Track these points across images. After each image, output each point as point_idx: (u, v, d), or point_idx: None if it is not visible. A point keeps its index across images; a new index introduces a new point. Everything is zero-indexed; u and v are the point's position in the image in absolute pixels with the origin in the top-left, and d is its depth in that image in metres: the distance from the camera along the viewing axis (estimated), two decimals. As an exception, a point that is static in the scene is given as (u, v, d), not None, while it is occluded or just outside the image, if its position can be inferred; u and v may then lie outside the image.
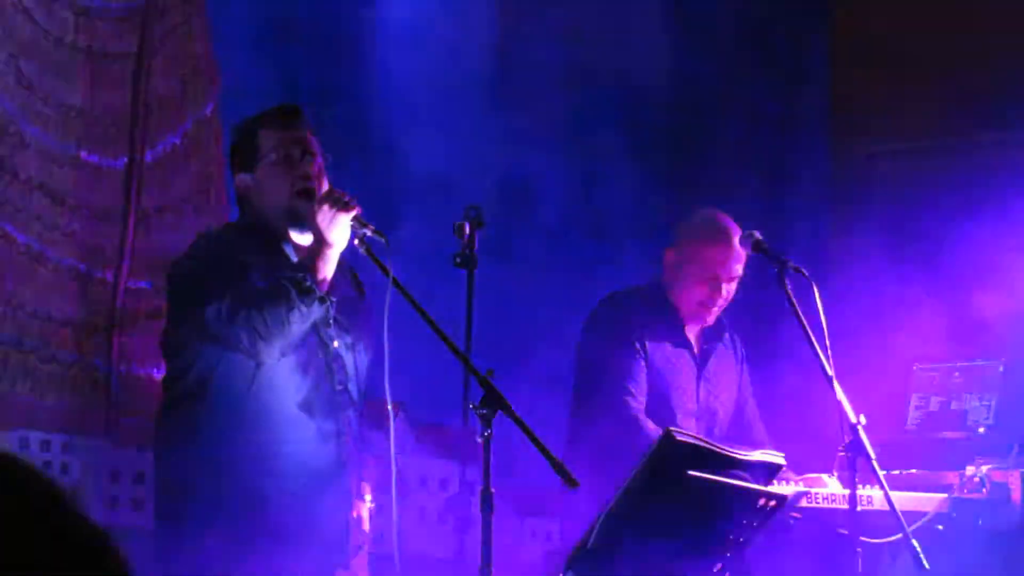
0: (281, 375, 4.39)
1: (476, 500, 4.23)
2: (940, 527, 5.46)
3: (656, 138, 7.68)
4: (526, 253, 7.14)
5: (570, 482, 4.13)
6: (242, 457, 4.35)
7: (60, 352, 5.73)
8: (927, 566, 4.81)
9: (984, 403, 6.02)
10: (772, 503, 4.90)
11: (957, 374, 6.13)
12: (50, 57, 5.74)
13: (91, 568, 1.82)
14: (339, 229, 4.32)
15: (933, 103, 8.01)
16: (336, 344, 4.50)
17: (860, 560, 4.88)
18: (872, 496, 5.19)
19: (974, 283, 7.28)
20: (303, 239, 4.48)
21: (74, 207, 5.78)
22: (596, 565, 4.89)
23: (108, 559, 1.85)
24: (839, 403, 4.88)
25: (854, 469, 4.89)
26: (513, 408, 4.16)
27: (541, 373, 6.69)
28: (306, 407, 4.42)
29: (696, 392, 5.39)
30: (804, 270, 5.16)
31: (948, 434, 5.98)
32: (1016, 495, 5.56)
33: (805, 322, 5.00)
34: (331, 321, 4.45)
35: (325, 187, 4.47)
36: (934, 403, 6.14)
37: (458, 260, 4.63)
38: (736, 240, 5.38)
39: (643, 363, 5.31)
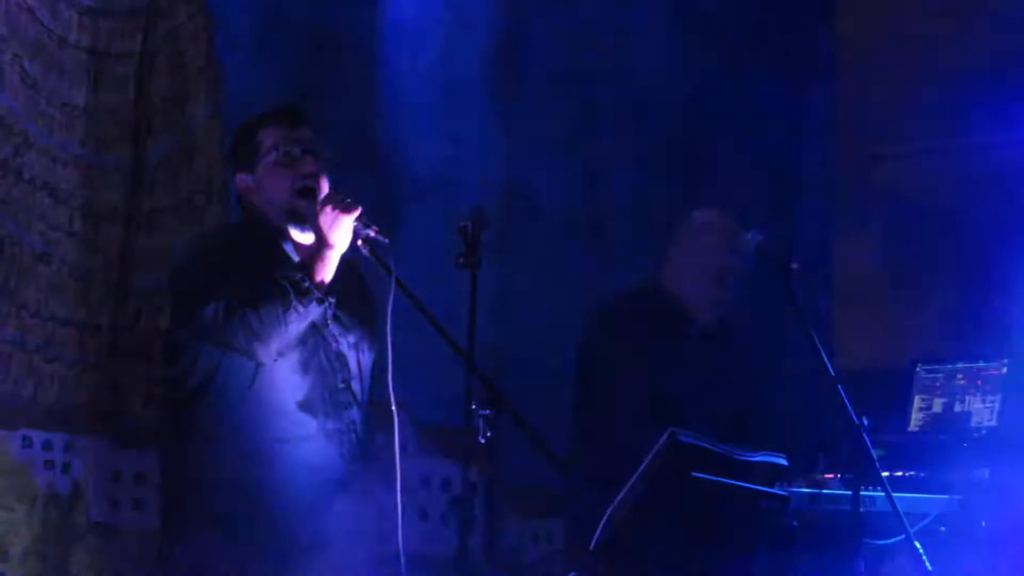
0: (283, 374, 4.39)
1: (479, 501, 4.23)
2: (943, 529, 5.45)
3: (660, 140, 7.68)
4: (530, 254, 7.14)
5: (572, 483, 4.13)
6: (245, 456, 4.34)
7: (63, 352, 5.74)
8: (930, 568, 4.81)
9: (987, 405, 6.02)
10: (775, 504, 4.90)
11: (960, 375, 6.14)
12: (54, 57, 5.75)
13: None
14: (340, 231, 4.31)
15: (938, 105, 8.01)
16: (339, 343, 4.50)
17: (863, 561, 4.88)
18: (875, 498, 5.19)
19: (976, 284, 7.29)
20: (304, 238, 4.47)
21: (77, 207, 5.78)
22: (600, 566, 4.89)
23: None
24: (842, 404, 4.88)
25: (857, 471, 4.88)
26: (516, 409, 4.16)
27: (544, 374, 6.70)
28: (309, 406, 4.42)
29: (701, 389, 5.37)
30: (807, 272, 5.15)
31: (951, 435, 5.98)
32: (1020, 497, 5.56)
33: (808, 323, 5.00)
34: (329, 321, 4.45)
35: (326, 187, 4.47)
36: (937, 404, 6.14)
37: (461, 261, 4.63)
38: (738, 234, 5.37)
39: (644, 362, 5.28)
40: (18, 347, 5.61)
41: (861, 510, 4.88)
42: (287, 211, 4.49)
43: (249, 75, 6.30)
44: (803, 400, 7.49)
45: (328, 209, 4.31)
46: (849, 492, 4.98)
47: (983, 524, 5.53)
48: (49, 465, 5.67)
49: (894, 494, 4.86)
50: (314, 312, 4.31)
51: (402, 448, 4.33)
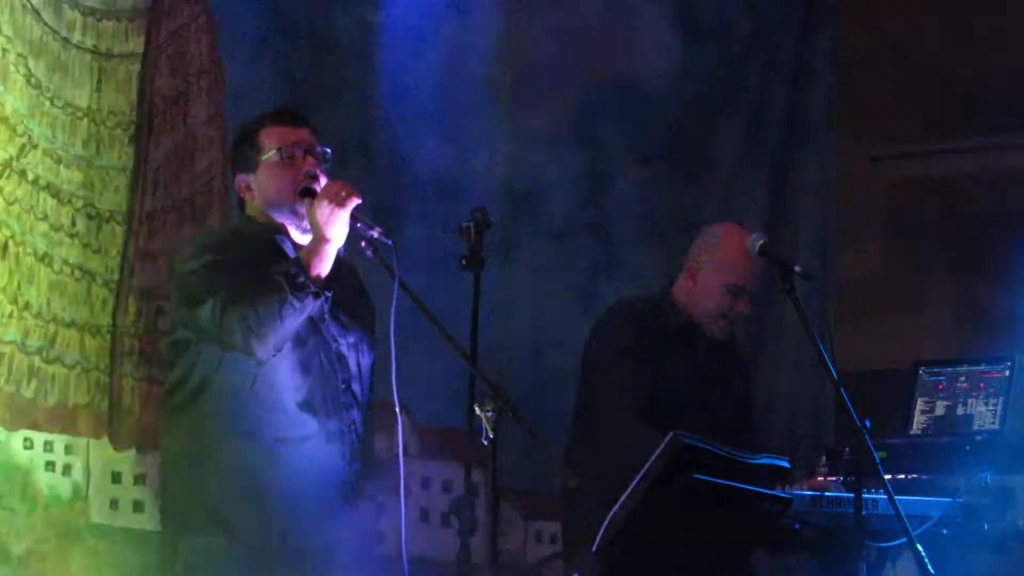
0: (284, 374, 4.39)
1: (481, 502, 4.23)
2: (945, 532, 5.45)
3: (662, 140, 7.68)
4: (532, 255, 7.14)
5: (574, 485, 4.13)
6: (246, 457, 4.34)
7: (64, 353, 5.73)
8: (932, 571, 4.80)
9: (990, 408, 6.01)
10: (777, 507, 4.90)
11: (963, 378, 6.13)
12: (59, 57, 5.75)
13: None
14: (337, 225, 4.30)
15: (938, 106, 8.01)
16: (339, 343, 4.50)
17: (865, 564, 4.88)
18: (877, 500, 5.18)
19: (978, 286, 7.29)
20: (305, 238, 4.47)
21: (80, 208, 5.78)
22: (602, 567, 4.89)
23: None
24: (844, 406, 4.88)
25: (859, 473, 4.88)
26: (518, 411, 4.16)
27: (546, 375, 6.69)
28: (310, 406, 4.41)
29: (700, 405, 5.36)
30: (810, 274, 5.15)
31: (954, 439, 5.98)
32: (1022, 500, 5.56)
33: (811, 326, 4.99)
34: (326, 316, 4.45)
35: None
36: (940, 407, 6.14)
37: (464, 262, 4.63)
38: (755, 252, 5.34)
39: (647, 371, 5.27)
40: (20, 348, 5.61)
41: (863, 513, 4.88)
42: (288, 212, 4.49)
43: (251, 76, 6.30)
44: (805, 402, 7.49)
45: (324, 203, 4.31)
46: (851, 495, 4.97)
47: (985, 527, 5.52)
48: (50, 466, 5.66)
49: (896, 497, 4.85)
50: (311, 307, 4.30)
51: (404, 450, 4.32)
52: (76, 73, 5.80)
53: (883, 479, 4.86)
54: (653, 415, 5.14)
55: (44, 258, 5.67)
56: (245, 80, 6.26)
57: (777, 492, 4.95)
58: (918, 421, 6.16)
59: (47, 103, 5.70)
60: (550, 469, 4.17)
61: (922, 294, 7.88)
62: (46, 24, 5.70)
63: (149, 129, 6.01)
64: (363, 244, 4.36)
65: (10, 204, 5.56)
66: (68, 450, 5.72)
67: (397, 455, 4.30)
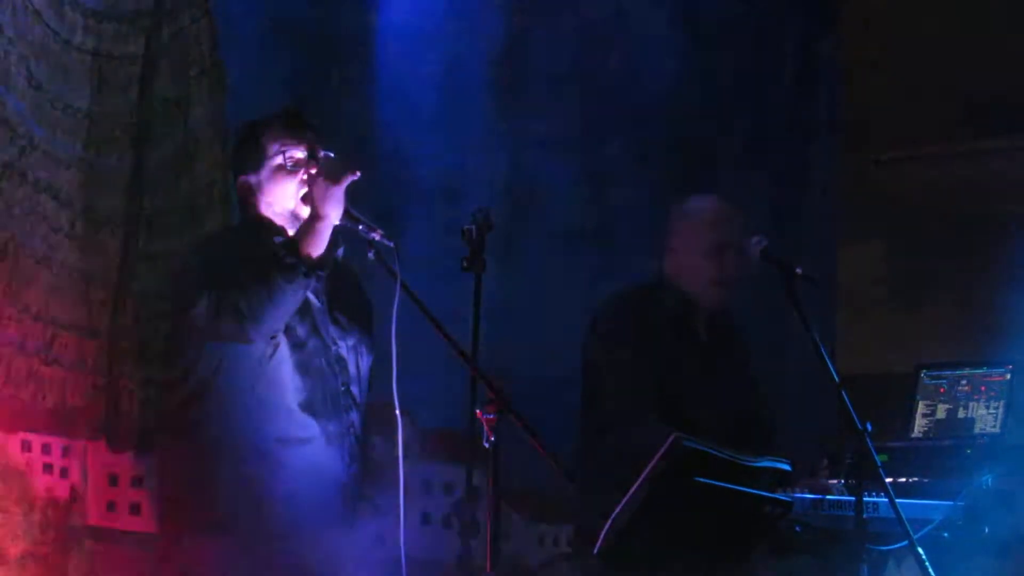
0: (285, 376, 4.39)
1: (482, 505, 4.23)
2: (946, 535, 5.44)
3: (664, 143, 7.68)
4: (534, 257, 7.14)
5: (575, 487, 4.13)
6: (246, 458, 4.34)
7: (63, 355, 5.73)
8: (933, 574, 4.80)
9: (991, 411, 6.01)
10: (778, 509, 4.89)
11: (964, 382, 6.12)
12: (59, 59, 5.74)
13: None
14: (331, 202, 4.29)
15: (941, 110, 8.01)
16: (338, 346, 4.50)
17: (865, 567, 4.88)
18: (878, 503, 5.18)
19: (980, 289, 7.29)
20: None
21: (79, 210, 5.78)
22: (603, 570, 4.89)
23: None
24: (845, 410, 4.87)
25: (860, 476, 4.88)
26: (520, 413, 4.16)
27: (548, 377, 6.69)
28: (311, 408, 4.42)
29: (707, 385, 5.35)
30: (811, 277, 5.14)
31: (955, 442, 5.97)
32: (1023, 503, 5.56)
33: (813, 328, 4.99)
34: (321, 299, 4.45)
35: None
36: (941, 410, 6.13)
37: (465, 264, 4.63)
38: (728, 208, 5.37)
39: (649, 361, 5.25)
40: (19, 350, 5.61)
41: (864, 516, 4.87)
42: (290, 216, 4.50)
43: (252, 78, 6.30)
44: (807, 405, 7.49)
45: (320, 179, 4.31)
46: (852, 498, 4.97)
47: (986, 530, 5.52)
48: (48, 469, 5.66)
49: (897, 500, 4.84)
50: (303, 286, 4.28)
51: (405, 452, 4.32)
52: (77, 75, 5.80)
53: (884, 482, 4.85)
54: (659, 398, 5.14)
55: (43, 260, 5.67)
56: (246, 82, 6.26)
57: (778, 495, 4.94)
58: (919, 424, 6.15)
59: (48, 105, 5.70)
60: (551, 471, 4.16)
61: (924, 297, 7.87)
62: (47, 26, 5.70)
63: (149, 131, 6.01)
64: (367, 246, 4.36)
65: (9, 206, 5.56)
66: (66, 452, 5.72)
67: (398, 457, 4.30)
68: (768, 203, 8.01)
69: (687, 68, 7.75)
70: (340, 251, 4.60)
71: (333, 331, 4.50)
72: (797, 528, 5.20)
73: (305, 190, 4.46)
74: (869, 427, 4.84)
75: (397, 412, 4.28)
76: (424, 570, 4.61)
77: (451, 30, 6.97)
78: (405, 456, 4.33)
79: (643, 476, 4.63)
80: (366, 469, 4.61)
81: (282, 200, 4.50)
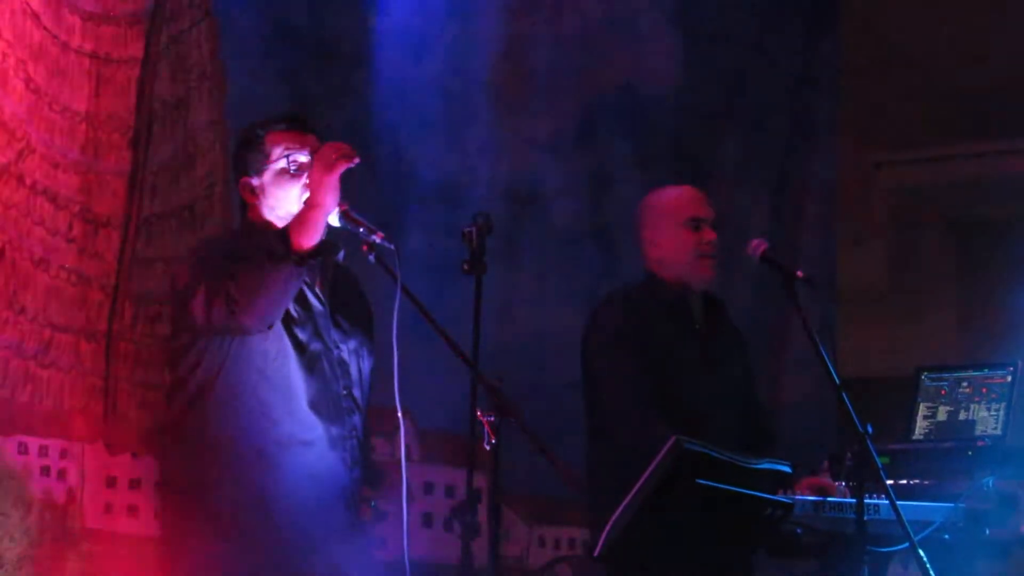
0: (287, 379, 4.38)
1: (483, 507, 4.22)
2: (947, 537, 5.44)
3: (664, 145, 7.68)
4: (534, 260, 7.14)
5: (578, 490, 4.12)
6: (249, 462, 4.34)
7: (59, 357, 5.72)
8: (934, 576, 4.80)
9: (992, 413, 6.01)
10: (779, 511, 4.89)
11: (965, 383, 6.12)
12: (58, 62, 5.74)
13: None
14: (325, 190, 4.26)
15: (941, 112, 8.01)
16: (340, 349, 4.50)
17: (867, 569, 4.87)
18: (879, 505, 5.18)
19: (981, 291, 7.29)
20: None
21: (76, 213, 5.77)
22: (605, 572, 4.88)
23: None
24: (846, 412, 4.87)
25: (861, 478, 4.88)
26: (520, 415, 4.16)
27: (549, 379, 6.68)
28: (313, 411, 4.41)
29: (706, 374, 5.36)
30: (812, 279, 5.14)
31: (956, 444, 5.97)
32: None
33: (813, 331, 4.99)
34: (319, 293, 4.44)
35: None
36: (942, 412, 6.13)
37: (466, 267, 4.62)
38: (694, 188, 5.40)
39: (648, 357, 5.25)
40: (15, 352, 5.60)
41: (865, 518, 4.87)
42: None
43: (253, 81, 6.30)
44: (808, 407, 7.49)
45: (314, 167, 4.30)
46: (853, 500, 4.97)
47: (987, 533, 5.52)
48: (45, 471, 5.65)
49: (898, 502, 4.84)
50: (295, 275, 4.25)
51: (406, 454, 4.32)
52: (75, 78, 5.79)
53: (885, 484, 4.85)
54: (660, 389, 5.14)
55: (41, 263, 5.66)
56: (247, 85, 6.26)
57: (779, 497, 4.94)
58: (920, 426, 6.15)
59: (46, 108, 5.69)
60: (552, 474, 4.16)
61: (924, 299, 7.87)
62: (46, 29, 5.69)
63: (148, 134, 6.01)
64: (364, 248, 4.35)
65: (7, 209, 5.55)
66: (63, 455, 5.71)
67: (400, 459, 4.29)
68: (768, 205, 8.01)
69: (687, 70, 7.76)
70: (341, 255, 4.59)
71: (335, 335, 4.49)
72: (798, 530, 5.19)
73: (308, 194, 4.45)
74: (870, 429, 4.84)
75: (399, 414, 4.27)
76: (426, 572, 4.60)
77: (451, 32, 6.97)
78: (407, 458, 4.32)
79: (644, 478, 4.63)
80: (368, 472, 4.61)
81: (285, 204, 4.49)
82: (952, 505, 5.50)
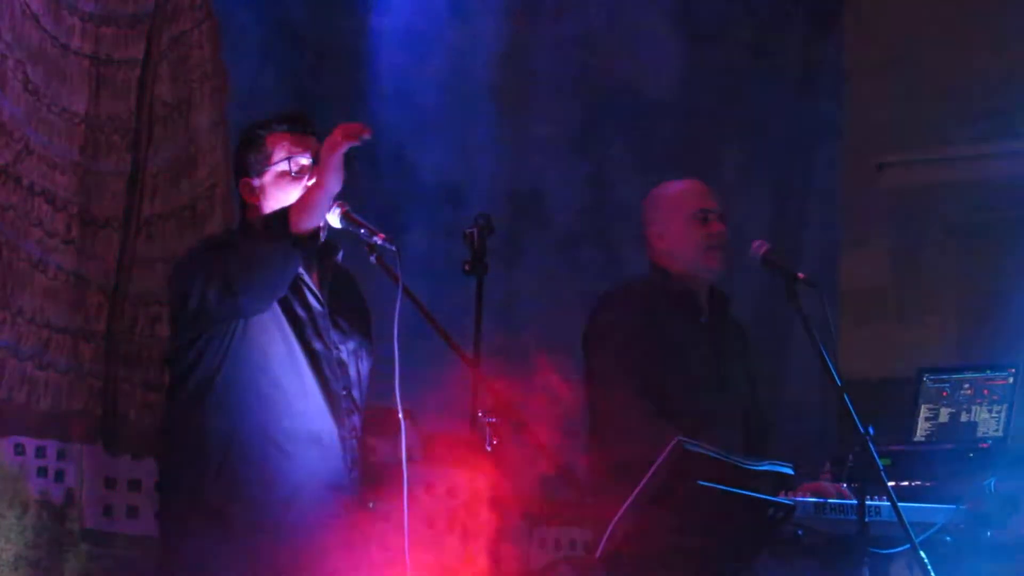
0: (285, 377, 4.39)
1: (484, 508, 4.23)
2: (948, 539, 5.44)
3: (666, 147, 7.68)
4: (536, 261, 7.14)
5: (579, 490, 4.13)
6: (248, 462, 4.34)
7: (57, 359, 5.72)
8: (935, 578, 4.80)
9: (994, 415, 6.01)
10: (780, 513, 4.89)
11: (967, 385, 6.12)
12: (57, 63, 5.74)
13: None
14: (328, 170, 4.23)
15: (944, 114, 8.01)
16: (339, 350, 4.50)
17: (868, 571, 4.87)
18: (880, 507, 5.18)
19: (983, 293, 7.29)
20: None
21: (75, 214, 5.77)
22: (606, 574, 4.88)
23: None
24: (848, 413, 4.87)
25: (863, 480, 4.88)
26: (522, 416, 4.16)
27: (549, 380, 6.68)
28: (312, 411, 4.41)
29: (713, 367, 5.36)
30: (813, 281, 5.14)
31: (957, 445, 5.97)
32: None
33: (814, 333, 4.99)
34: (317, 291, 4.44)
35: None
36: (944, 414, 6.13)
37: (467, 267, 4.62)
38: (700, 182, 5.41)
39: (653, 351, 5.25)
40: (12, 353, 5.60)
41: (866, 520, 4.87)
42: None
43: (254, 81, 6.30)
44: (810, 409, 7.49)
45: (323, 147, 4.27)
46: (854, 502, 4.97)
47: (989, 534, 5.51)
48: (42, 472, 5.65)
49: (900, 504, 4.84)
50: (290, 255, 4.23)
51: (408, 455, 4.32)
52: (74, 79, 5.79)
53: (886, 486, 4.85)
54: (671, 384, 5.14)
55: (38, 264, 5.66)
56: (249, 85, 6.26)
57: (780, 498, 4.94)
58: (922, 428, 6.15)
59: (44, 109, 5.69)
60: (553, 475, 4.16)
61: (926, 301, 7.87)
62: (45, 30, 5.69)
63: (149, 135, 6.00)
64: (366, 249, 4.36)
65: (5, 210, 5.55)
66: (61, 456, 5.71)
67: (401, 460, 4.30)
68: (770, 207, 8.01)
69: (689, 71, 7.76)
70: (339, 255, 4.59)
71: (334, 335, 4.50)
72: (799, 532, 5.19)
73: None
74: (871, 431, 4.84)
75: (400, 415, 4.27)
76: (426, 573, 4.60)
77: (453, 33, 6.97)
78: (408, 459, 4.32)
79: (645, 480, 4.63)
80: (367, 472, 4.61)
81: (286, 203, 4.49)
82: (954, 507, 5.49)
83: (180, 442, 4.42)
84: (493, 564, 4.17)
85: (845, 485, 5.32)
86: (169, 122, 6.08)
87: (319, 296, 4.49)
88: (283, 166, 4.48)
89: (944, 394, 6.15)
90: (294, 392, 4.39)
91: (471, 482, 4.58)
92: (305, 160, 4.48)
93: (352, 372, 4.52)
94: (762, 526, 4.90)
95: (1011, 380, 6.04)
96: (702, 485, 4.65)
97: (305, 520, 4.36)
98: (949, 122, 8.00)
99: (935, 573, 4.80)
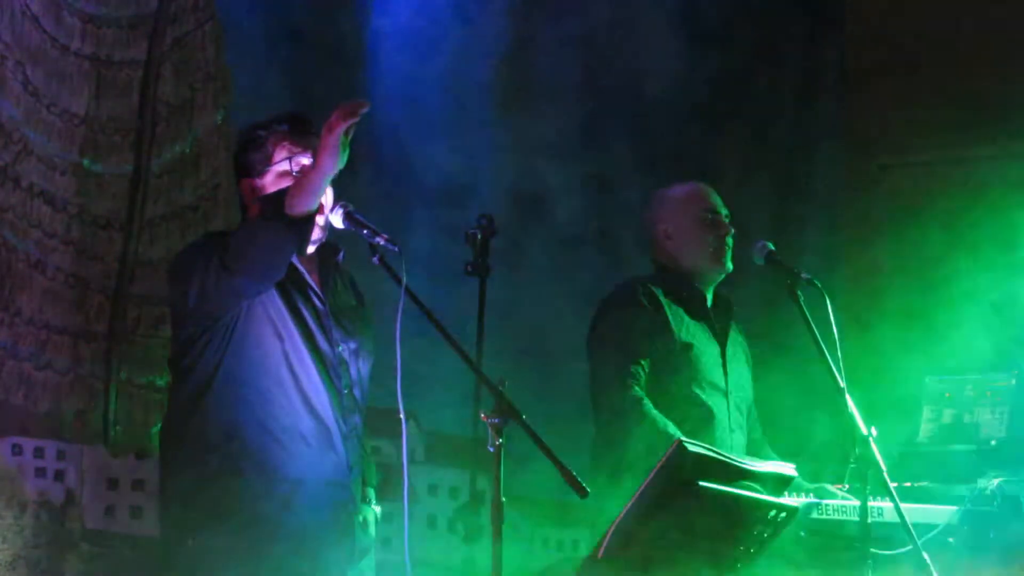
0: (286, 374, 4.39)
1: (486, 509, 4.23)
2: (951, 539, 5.44)
3: (668, 149, 7.69)
4: (538, 261, 7.14)
5: (580, 491, 4.13)
6: (249, 461, 4.34)
7: (56, 359, 5.72)
8: (938, 579, 4.80)
9: (996, 416, 6.01)
10: (783, 514, 4.89)
11: (970, 387, 6.13)
12: (57, 65, 5.74)
13: None
14: (324, 151, 4.21)
15: (945, 115, 8.01)
16: (341, 349, 4.50)
17: (870, 572, 4.87)
18: (883, 508, 5.18)
19: (985, 295, 7.27)
20: (309, 247, 4.48)
21: (75, 215, 5.77)
22: (608, 575, 4.88)
23: None
24: (851, 414, 4.87)
25: (865, 481, 4.88)
26: (524, 417, 4.16)
27: (552, 381, 6.68)
28: (314, 410, 4.42)
29: (721, 366, 5.37)
30: (816, 281, 5.15)
31: (960, 446, 5.97)
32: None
33: (817, 333, 4.99)
34: (324, 301, 4.45)
35: (331, 199, 4.45)
36: (946, 415, 6.13)
37: (470, 268, 4.63)
38: (705, 184, 5.46)
39: (661, 348, 5.25)
40: (9, 354, 5.60)
41: (869, 520, 4.87)
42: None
43: (257, 83, 6.30)
44: (812, 410, 7.49)
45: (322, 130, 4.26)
46: (857, 503, 4.96)
47: (991, 535, 5.51)
48: (40, 473, 5.65)
49: (902, 505, 4.84)
50: (285, 233, 4.22)
51: (410, 456, 4.32)
52: (75, 80, 5.79)
53: (889, 487, 4.85)
54: (680, 383, 5.15)
55: (37, 264, 5.66)
56: (251, 87, 6.26)
57: (783, 499, 4.94)
58: (924, 429, 6.15)
59: (44, 110, 5.69)
60: (555, 476, 4.16)
61: (928, 302, 7.86)
62: (45, 31, 5.69)
63: (152, 136, 6.00)
64: (369, 250, 4.36)
65: (3, 211, 5.55)
66: (60, 456, 5.71)
67: (403, 461, 4.30)
68: (772, 208, 8.01)
69: (690, 73, 7.76)
70: (341, 256, 4.60)
71: (336, 334, 4.50)
72: (802, 533, 5.19)
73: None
74: (874, 432, 4.84)
75: (402, 416, 4.27)
76: (429, 573, 4.61)
77: (456, 35, 6.97)
78: (410, 460, 4.32)
79: (647, 481, 4.63)
80: (369, 472, 4.61)
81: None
82: (956, 508, 5.49)
83: (181, 439, 4.42)
84: (494, 564, 4.17)
85: (848, 486, 5.33)
86: (172, 123, 6.09)
87: (320, 295, 4.50)
88: (284, 166, 4.49)
89: (947, 395, 6.15)
90: (296, 389, 4.39)
91: (472, 483, 4.59)
92: (306, 160, 4.48)
93: (353, 372, 4.53)
94: (765, 527, 4.89)
95: (1014, 381, 6.05)
96: (704, 486, 4.65)
97: (306, 518, 4.36)
98: (950, 124, 8.00)
99: (938, 574, 4.80)
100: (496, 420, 4.20)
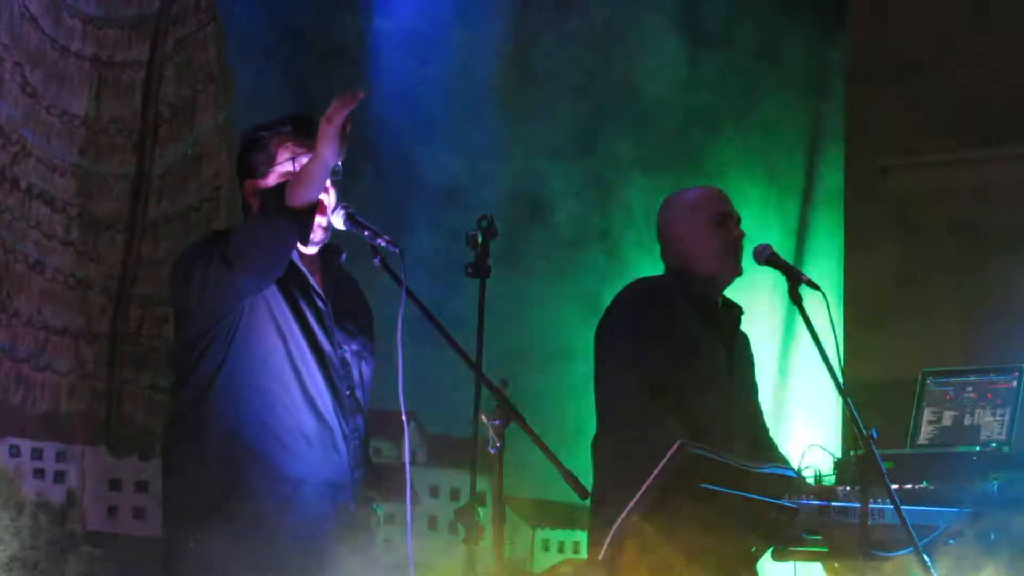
0: (289, 375, 4.39)
1: (487, 510, 4.23)
2: (951, 542, 5.44)
3: (669, 150, 7.69)
4: (539, 263, 7.14)
5: (580, 492, 4.13)
6: (252, 461, 4.34)
7: (56, 360, 5.72)
8: (938, 581, 4.80)
9: (997, 418, 6.01)
10: (784, 516, 4.89)
11: (970, 388, 6.13)
12: (56, 66, 5.74)
13: None
14: (323, 141, 4.19)
15: (947, 117, 8.01)
16: (343, 350, 4.50)
17: (871, 574, 4.87)
18: (884, 510, 5.18)
19: (987, 296, 7.28)
20: (308, 249, 4.48)
21: (75, 216, 5.77)
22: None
23: None
24: (851, 416, 4.87)
25: (866, 483, 4.87)
26: (525, 418, 4.16)
27: (553, 384, 6.69)
28: (316, 411, 4.42)
29: (727, 369, 5.37)
30: (817, 284, 5.15)
31: (961, 448, 5.97)
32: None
33: (818, 335, 4.99)
34: (326, 302, 4.44)
35: (332, 200, 4.45)
36: (947, 417, 6.13)
37: (470, 270, 4.62)
38: (717, 187, 5.48)
39: (671, 351, 5.25)
40: (7, 355, 5.60)
41: (869, 523, 4.87)
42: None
43: (259, 84, 6.31)
44: (813, 411, 7.48)
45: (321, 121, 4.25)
46: (858, 504, 4.96)
47: (992, 537, 5.51)
48: (39, 474, 5.65)
49: (903, 507, 4.84)
50: (286, 226, 4.21)
51: (411, 457, 4.32)
52: (75, 81, 5.79)
53: (889, 489, 4.85)
54: (686, 389, 5.15)
55: (36, 266, 5.66)
56: (254, 88, 6.26)
57: (784, 501, 4.94)
58: (925, 431, 6.15)
59: (43, 111, 5.69)
60: (556, 478, 4.16)
61: (930, 303, 7.87)
62: (44, 32, 5.69)
63: (154, 137, 6.00)
64: (369, 251, 4.36)
65: (1, 212, 5.56)
66: (60, 457, 5.70)
67: (404, 462, 4.30)
68: (774, 209, 8.01)
69: (692, 74, 7.76)
70: (343, 257, 4.60)
71: (338, 336, 4.50)
72: (803, 535, 5.19)
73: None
74: (875, 434, 4.84)
75: (403, 417, 4.27)
76: (429, 574, 4.61)
77: (457, 36, 6.97)
78: (412, 461, 4.32)
79: (649, 482, 4.63)
80: (371, 473, 4.61)
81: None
82: (957, 510, 5.50)
83: (183, 440, 4.42)
84: (496, 566, 4.17)
85: (848, 488, 5.33)
86: (174, 124, 6.09)
87: (323, 296, 4.50)
88: (287, 167, 4.48)
89: (948, 397, 6.15)
90: (299, 389, 4.39)
91: (474, 484, 4.58)
92: (306, 159, 4.47)
93: (355, 373, 4.53)
94: (765, 529, 4.90)
95: (1015, 383, 6.05)
96: (705, 488, 4.65)
97: (308, 519, 4.36)
98: (954, 125, 8.00)
99: (938, 576, 4.80)
100: (497, 422, 4.20)
